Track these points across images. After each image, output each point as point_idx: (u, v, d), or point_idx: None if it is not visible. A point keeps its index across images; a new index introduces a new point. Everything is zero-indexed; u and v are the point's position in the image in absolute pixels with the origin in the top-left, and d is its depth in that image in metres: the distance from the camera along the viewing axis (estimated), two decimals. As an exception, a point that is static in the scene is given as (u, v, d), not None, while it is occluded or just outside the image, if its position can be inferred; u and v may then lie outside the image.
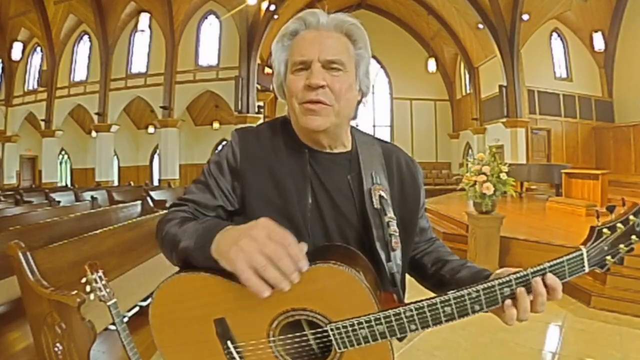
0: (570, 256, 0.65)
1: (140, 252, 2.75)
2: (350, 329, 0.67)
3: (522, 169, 9.28)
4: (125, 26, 13.74)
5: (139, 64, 13.79)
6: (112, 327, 1.71)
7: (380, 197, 0.78)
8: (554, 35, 12.16)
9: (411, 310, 0.66)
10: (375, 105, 16.57)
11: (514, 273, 0.65)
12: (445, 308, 0.65)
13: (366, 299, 0.69)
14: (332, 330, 0.68)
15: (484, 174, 4.27)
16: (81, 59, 14.67)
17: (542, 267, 0.64)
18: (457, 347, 2.81)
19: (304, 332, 0.73)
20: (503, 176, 4.25)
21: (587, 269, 0.66)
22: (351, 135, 0.86)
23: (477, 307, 0.65)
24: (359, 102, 0.82)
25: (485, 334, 2.97)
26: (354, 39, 0.77)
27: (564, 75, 12.17)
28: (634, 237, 0.65)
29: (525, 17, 10.81)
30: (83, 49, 14.70)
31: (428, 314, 0.65)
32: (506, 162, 4.63)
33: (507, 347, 2.77)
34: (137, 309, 2.54)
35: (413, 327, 0.66)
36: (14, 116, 15.47)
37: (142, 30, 12.35)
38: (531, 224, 5.37)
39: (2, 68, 15.38)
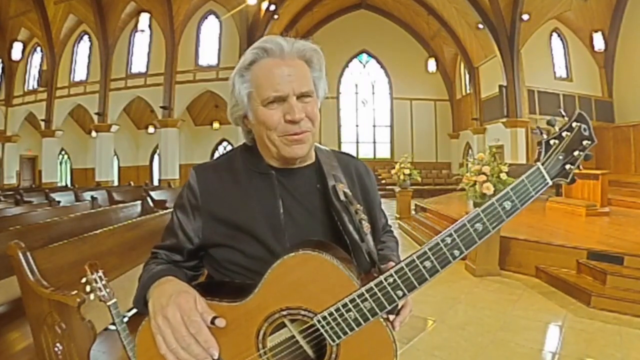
0: (529, 173, 0.65)
1: (140, 252, 2.74)
2: (337, 314, 0.64)
3: (522, 169, 9.26)
4: (125, 26, 13.75)
5: (139, 64, 13.80)
6: (112, 327, 1.71)
7: (344, 192, 0.80)
8: (554, 35, 12.16)
9: (392, 276, 0.63)
10: (375, 105, 16.57)
11: (480, 206, 0.65)
12: (425, 262, 0.63)
13: (343, 277, 0.64)
14: (319, 322, 0.64)
15: (484, 174, 4.28)
16: (81, 59, 14.68)
17: (506, 191, 0.64)
18: (457, 347, 2.81)
19: (291, 334, 0.68)
20: (503, 176, 4.26)
21: (549, 182, 0.65)
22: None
23: (456, 253, 0.63)
24: None
25: (485, 334, 2.97)
26: (311, 63, 0.81)
27: (564, 75, 12.17)
28: (585, 141, 0.66)
29: (525, 17, 10.81)
30: (83, 49, 14.71)
31: (409, 273, 0.63)
32: (506, 162, 4.64)
33: (507, 347, 2.76)
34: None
35: (400, 292, 0.63)
36: (14, 116, 15.48)
37: (142, 30, 12.34)
38: (531, 224, 5.36)
39: (2, 68, 15.38)
